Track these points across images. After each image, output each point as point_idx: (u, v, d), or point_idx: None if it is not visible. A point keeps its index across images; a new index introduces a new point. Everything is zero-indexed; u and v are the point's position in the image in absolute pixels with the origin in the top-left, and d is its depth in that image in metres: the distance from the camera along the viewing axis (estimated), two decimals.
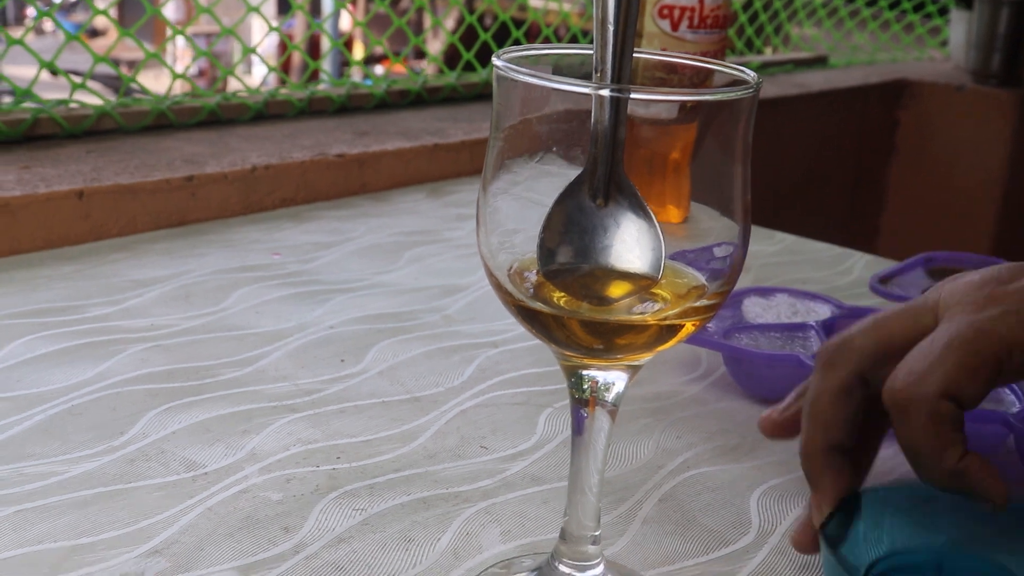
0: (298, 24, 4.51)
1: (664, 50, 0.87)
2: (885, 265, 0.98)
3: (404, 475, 0.59)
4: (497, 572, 0.50)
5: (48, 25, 1.22)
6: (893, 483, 0.53)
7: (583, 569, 0.47)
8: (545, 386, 0.70)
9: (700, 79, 0.45)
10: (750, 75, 0.42)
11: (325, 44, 4.75)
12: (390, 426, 0.64)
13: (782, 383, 0.68)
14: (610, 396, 0.45)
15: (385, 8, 1.30)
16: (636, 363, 0.43)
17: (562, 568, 0.47)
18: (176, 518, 0.53)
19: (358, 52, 4.32)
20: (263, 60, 1.35)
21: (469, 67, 1.42)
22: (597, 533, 0.47)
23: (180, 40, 1.16)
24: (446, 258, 0.92)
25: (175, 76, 1.16)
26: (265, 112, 1.17)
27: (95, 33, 5.51)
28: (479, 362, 0.73)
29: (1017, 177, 1.93)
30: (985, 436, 0.61)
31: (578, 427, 0.46)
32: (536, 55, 0.43)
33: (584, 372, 0.44)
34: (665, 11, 0.88)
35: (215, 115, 1.13)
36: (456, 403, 0.67)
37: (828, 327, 0.73)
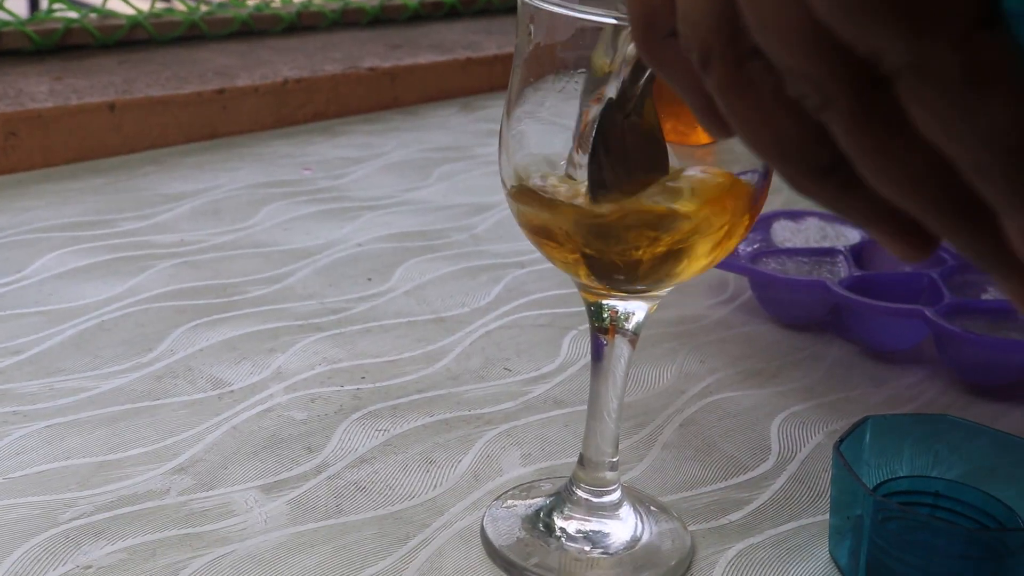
0: None
1: None
2: None
3: (427, 396, 0.59)
4: (516, 495, 0.51)
5: None
6: (902, 414, 0.53)
7: (600, 495, 0.48)
8: (570, 308, 0.70)
9: None
10: None
11: None
12: (414, 347, 0.64)
13: (808, 308, 0.67)
14: (630, 325, 0.45)
15: None
16: (658, 293, 0.43)
17: (579, 493, 0.48)
18: (201, 436, 0.54)
19: None
20: None
21: None
22: (615, 459, 0.48)
23: None
24: (476, 175, 0.92)
25: None
26: (298, 23, 1.17)
27: None
28: (506, 282, 0.73)
29: None
30: (1011, 363, 0.61)
31: (597, 353, 0.46)
32: None
33: (604, 302, 0.44)
34: None
35: (247, 26, 1.12)
36: (481, 323, 0.67)
37: (856, 252, 0.72)
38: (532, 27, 0.41)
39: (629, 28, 0.30)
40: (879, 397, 0.62)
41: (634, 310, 0.44)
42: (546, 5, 0.39)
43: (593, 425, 0.47)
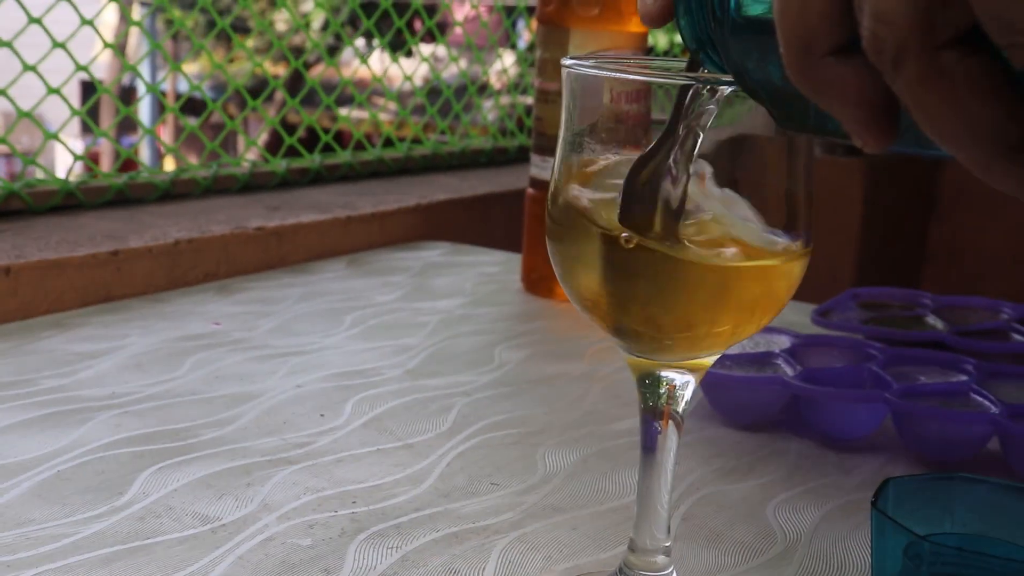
0: (105, 142, 4.42)
1: None
2: (807, 307, 1.02)
3: (426, 513, 0.57)
4: None
5: None
6: (917, 475, 0.55)
7: None
8: (531, 428, 0.70)
9: None
10: None
11: (142, 157, 4.67)
12: (395, 471, 0.62)
13: (763, 407, 0.69)
14: (681, 405, 0.45)
15: (197, 132, 1.25)
16: (710, 355, 0.44)
17: None
18: (208, 568, 0.51)
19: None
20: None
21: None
22: (668, 544, 0.47)
23: None
24: (388, 320, 0.92)
25: (27, 162, 1.10)
26: (172, 190, 1.15)
27: None
28: (459, 409, 0.73)
29: (869, 235, 2.04)
30: (973, 435, 0.64)
31: (650, 444, 0.46)
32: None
33: (661, 373, 0.44)
34: None
35: (123, 194, 1.10)
36: (451, 446, 0.66)
37: (793, 353, 0.75)
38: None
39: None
40: (852, 482, 0.64)
41: (688, 381, 0.45)
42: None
43: (646, 514, 0.47)
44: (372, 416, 0.71)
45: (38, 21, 1.01)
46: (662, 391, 0.45)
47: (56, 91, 1.05)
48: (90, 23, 1.08)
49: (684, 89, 0.39)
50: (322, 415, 0.70)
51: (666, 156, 0.40)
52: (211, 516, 0.56)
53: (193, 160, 1.24)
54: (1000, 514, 0.52)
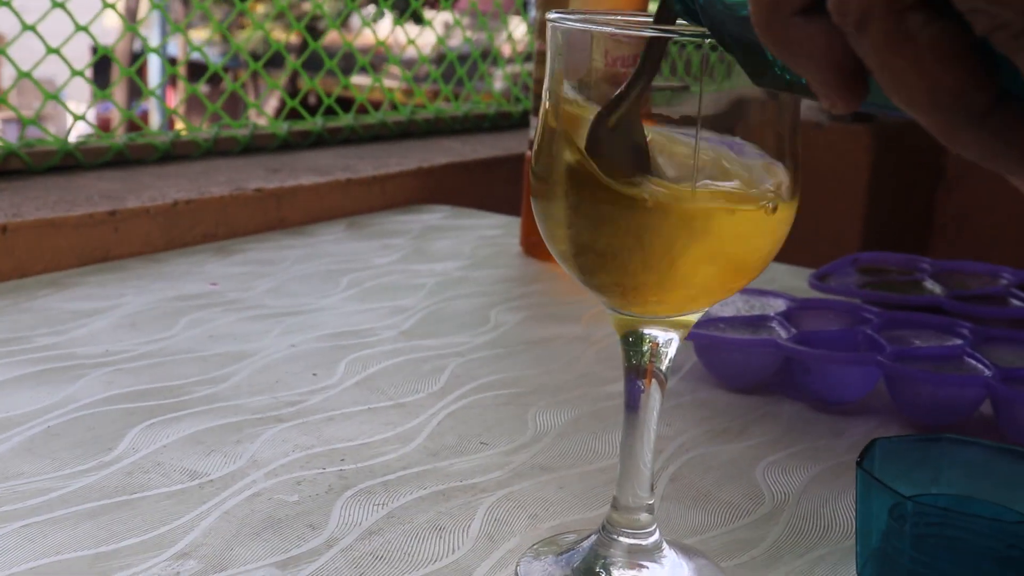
0: (115, 108, 4.41)
1: None
2: (805, 272, 1.01)
3: (414, 471, 0.57)
4: (543, 549, 0.49)
5: None
6: (904, 436, 0.55)
7: (639, 537, 0.47)
8: (524, 388, 0.70)
9: None
10: None
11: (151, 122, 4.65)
12: (383, 430, 0.62)
13: (757, 369, 0.69)
14: (664, 363, 0.45)
15: (198, 94, 1.25)
16: (693, 313, 0.44)
17: (618, 537, 0.47)
18: (194, 523, 0.51)
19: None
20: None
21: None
22: (651, 502, 0.47)
23: None
24: (384, 282, 0.92)
25: (26, 122, 1.10)
26: (172, 152, 1.15)
27: None
28: (451, 369, 0.73)
29: (876, 203, 2.03)
30: (965, 399, 0.64)
31: (633, 402, 0.46)
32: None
33: (644, 330, 0.44)
34: None
35: (122, 155, 1.10)
36: (442, 406, 0.66)
37: (788, 317, 0.75)
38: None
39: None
40: (843, 445, 0.64)
41: (671, 338, 0.45)
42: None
43: (629, 472, 0.47)
44: (365, 376, 0.70)
45: None
46: (645, 349, 0.45)
47: (56, 51, 1.05)
48: None
49: (657, 40, 0.39)
50: (315, 374, 0.70)
51: (635, 102, 0.40)
52: (199, 472, 0.56)
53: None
54: (988, 476, 0.52)
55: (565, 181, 0.42)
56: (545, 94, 0.44)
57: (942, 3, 0.26)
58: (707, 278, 0.42)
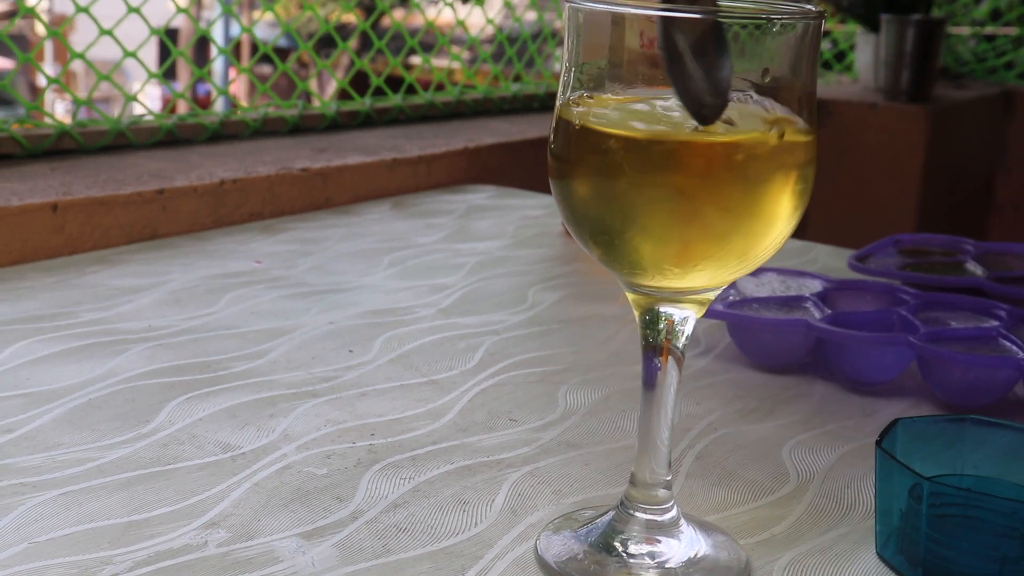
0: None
1: None
2: (848, 252, 1.01)
3: (442, 447, 0.58)
4: (563, 523, 0.50)
5: None
6: (928, 416, 0.55)
7: (657, 513, 0.48)
8: (556, 366, 0.71)
9: None
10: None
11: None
12: (416, 406, 0.63)
13: (789, 350, 0.69)
14: (681, 341, 0.46)
15: (249, 75, 1.26)
16: (711, 289, 0.44)
17: (635, 513, 0.48)
18: (225, 494, 0.52)
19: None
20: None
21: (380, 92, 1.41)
22: (669, 478, 0.48)
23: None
24: (426, 260, 0.93)
25: (79, 102, 1.12)
26: (221, 132, 1.17)
27: None
28: (486, 347, 0.73)
29: (931, 184, 2.00)
30: (998, 380, 0.63)
31: (650, 380, 0.46)
32: None
33: (660, 308, 0.45)
34: None
35: (172, 135, 1.12)
36: (474, 383, 0.67)
37: (824, 298, 0.74)
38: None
39: None
40: (872, 425, 0.64)
41: (687, 316, 0.45)
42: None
43: (647, 449, 0.47)
44: (400, 353, 0.72)
45: None
46: (661, 326, 0.45)
47: (108, 32, 1.07)
48: None
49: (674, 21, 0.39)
50: (351, 351, 0.71)
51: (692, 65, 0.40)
52: (232, 444, 0.57)
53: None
54: (1016, 458, 0.52)
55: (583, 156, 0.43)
56: (563, 75, 0.44)
57: None
58: (726, 228, 0.42)
